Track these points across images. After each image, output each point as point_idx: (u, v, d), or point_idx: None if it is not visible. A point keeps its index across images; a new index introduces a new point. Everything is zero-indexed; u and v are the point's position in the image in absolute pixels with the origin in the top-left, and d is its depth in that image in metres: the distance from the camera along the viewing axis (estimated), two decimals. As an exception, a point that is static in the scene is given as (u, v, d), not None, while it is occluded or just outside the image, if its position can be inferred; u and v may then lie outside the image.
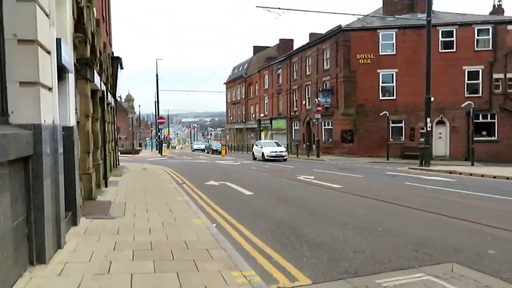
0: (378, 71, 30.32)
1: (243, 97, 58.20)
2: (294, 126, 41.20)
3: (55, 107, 4.98)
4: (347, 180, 14.51)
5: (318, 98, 32.08)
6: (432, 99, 21.30)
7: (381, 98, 30.49)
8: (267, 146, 29.74)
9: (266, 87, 48.77)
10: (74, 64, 7.10)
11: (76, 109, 7.26)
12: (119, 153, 25.01)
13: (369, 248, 5.54)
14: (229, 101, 66.84)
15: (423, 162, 19.96)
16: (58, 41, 5.19)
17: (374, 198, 10.03)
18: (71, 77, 6.38)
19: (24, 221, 4.11)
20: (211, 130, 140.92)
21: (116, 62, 18.74)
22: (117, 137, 22.23)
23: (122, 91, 69.42)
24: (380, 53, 30.43)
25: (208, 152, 50.73)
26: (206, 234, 6.04)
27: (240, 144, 54.27)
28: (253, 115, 54.03)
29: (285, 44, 53.97)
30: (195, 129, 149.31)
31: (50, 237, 4.62)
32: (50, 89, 4.76)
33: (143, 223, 6.78)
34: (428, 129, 19.32)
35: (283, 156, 28.40)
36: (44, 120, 4.42)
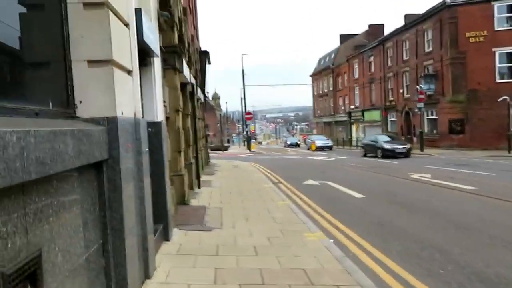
0: (493, 49, 26.02)
1: (331, 88, 55.42)
2: (390, 118, 37.80)
3: (136, 96, 3.86)
4: (477, 179, 11.88)
5: (420, 85, 28.58)
6: None
7: (498, 81, 26.14)
8: None
9: (356, 76, 45.68)
10: (161, 49, 6.07)
11: (164, 102, 6.24)
12: (209, 150, 24.72)
13: None
14: (315, 93, 64.45)
15: None
16: (138, 12, 4.07)
17: (534, 204, 7.64)
18: (157, 62, 5.31)
19: (98, 251, 3.00)
20: (296, 125, 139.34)
21: (204, 56, 18.16)
22: (207, 134, 21.83)
23: (209, 89, 71.33)
24: (496, 29, 26.08)
25: (285, 146, 54.02)
26: (329, 258, 4.55)
27: (329, 138, 51.87)
28: (343, 107, 51.13)
29: (375, 29, 49.98)
30: (279, 124, 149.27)
31: (135, 266, 3.50)
32: (129, 72, 3.64)
33: (245, 238, 5.52)
34: None
35: None
36: (122, 112, 3.29)
